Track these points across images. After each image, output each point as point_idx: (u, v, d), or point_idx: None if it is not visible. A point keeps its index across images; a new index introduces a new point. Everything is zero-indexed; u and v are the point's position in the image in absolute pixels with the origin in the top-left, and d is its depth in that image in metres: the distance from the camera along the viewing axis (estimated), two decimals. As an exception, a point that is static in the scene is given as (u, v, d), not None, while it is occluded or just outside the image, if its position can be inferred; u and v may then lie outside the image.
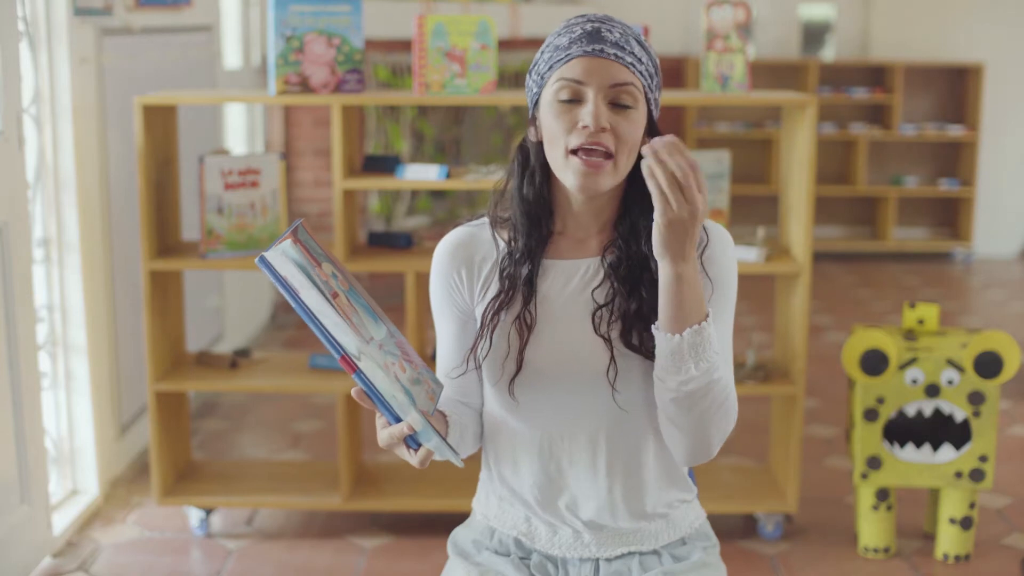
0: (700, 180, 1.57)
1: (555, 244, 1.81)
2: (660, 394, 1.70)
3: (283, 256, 1.52)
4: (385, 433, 1.61)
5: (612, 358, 1.74)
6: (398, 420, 1.59)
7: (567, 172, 1.72)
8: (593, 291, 1.77)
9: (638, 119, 1.72)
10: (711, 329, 1.65)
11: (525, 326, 1.76)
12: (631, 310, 1.74)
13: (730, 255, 1.80)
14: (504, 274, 1.79)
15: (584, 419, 1.79)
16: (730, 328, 1.81)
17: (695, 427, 1.71)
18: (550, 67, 1.73)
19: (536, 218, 1.78)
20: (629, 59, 1.70)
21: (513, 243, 1.79)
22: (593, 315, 1.75)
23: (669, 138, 1.58)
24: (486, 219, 1.85)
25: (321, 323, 1.53)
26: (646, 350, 1.74)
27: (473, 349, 1.80)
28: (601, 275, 1.78)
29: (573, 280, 1.78)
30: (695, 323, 1.64)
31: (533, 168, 1.79)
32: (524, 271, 1.77)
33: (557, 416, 1.79)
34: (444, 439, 1.61)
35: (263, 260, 1.52)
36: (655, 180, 1.56)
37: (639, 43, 1.73)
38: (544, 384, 1.77)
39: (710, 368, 1.66)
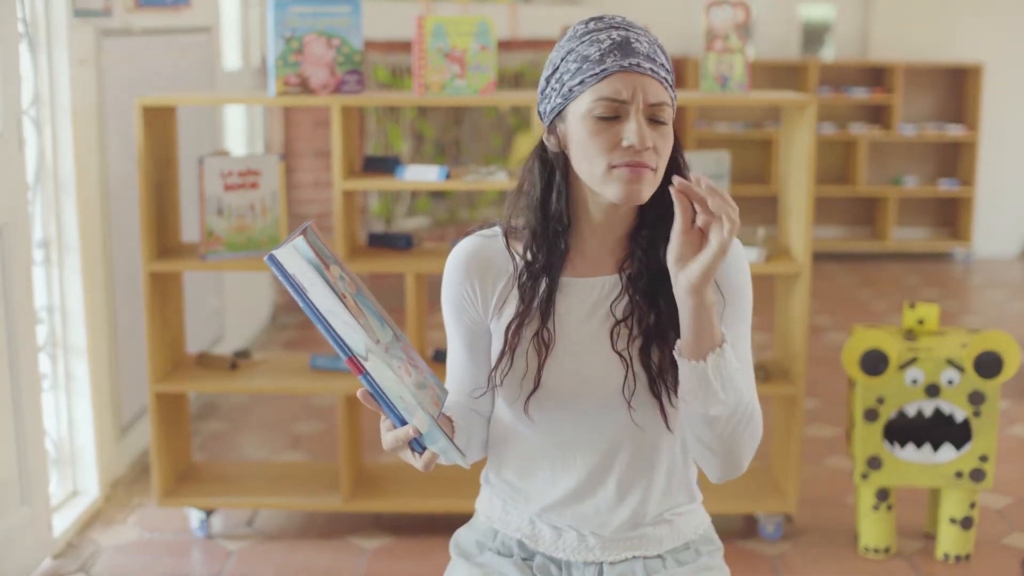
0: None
1: (571, 261, 1.77)
2: (689, 418, 1.69)
3: (295, 253, 1.49)
4: (390, 436, 1.59)
5: (627, 376, 1.72)
6: (403, 423, 1.57)
7: (610, 185, 1.67)
8: (612, 305, 1.74)
9: (671, 133, 1.69)
10: (730, 351, 1.65)
11: (543, 345, 1.73)
12: (651, 324, 1.72)
13: (743, 264, 1.77)
14: (524, 289, 1.75)
15: (597, 436, 1.78)
16: (748, 339, 1.79)
17: (726, 448, 1.70)
18: (581, 81, 1.66)
19: (555, 232, 1.74)
20: (663, 73, 1.67)
21: (531, 256, 1.76)
22: (612, 330, 1.73)
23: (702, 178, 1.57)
24: (498, 229, 1.81)
25: (329, 323, 1.51)
26: (661, 369, 1.72)
27: (496, 368, 1.77)
28: (619, 289, 1.75)
29: (591, 298, 1.76)
30: (716, 348, 1.63)
31: (559, 182, 1.74)
32: (543, 288, 1.74)
33: (570, 433, 1.78)
34: (451, 440, 1.60)
35: (272, 258, 1.49)
36: (715, 201, 1.54)
37: (662, 50, 1.70)
38: (559, 403, 1.76)
39: (737, 391, 1.66)
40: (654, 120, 1.66)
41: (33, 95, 3.35)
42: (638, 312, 1.73)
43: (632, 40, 1.66)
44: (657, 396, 1.73)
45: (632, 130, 1.64)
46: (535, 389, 1.74)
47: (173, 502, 3.38)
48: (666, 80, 1.67)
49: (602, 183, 1.68)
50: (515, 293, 1.77)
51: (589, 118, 1.66)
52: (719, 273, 1.74)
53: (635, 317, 1.73)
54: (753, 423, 1.70)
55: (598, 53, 1.66)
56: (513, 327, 1.75)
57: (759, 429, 1.73)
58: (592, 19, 1.71)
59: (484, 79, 3.18)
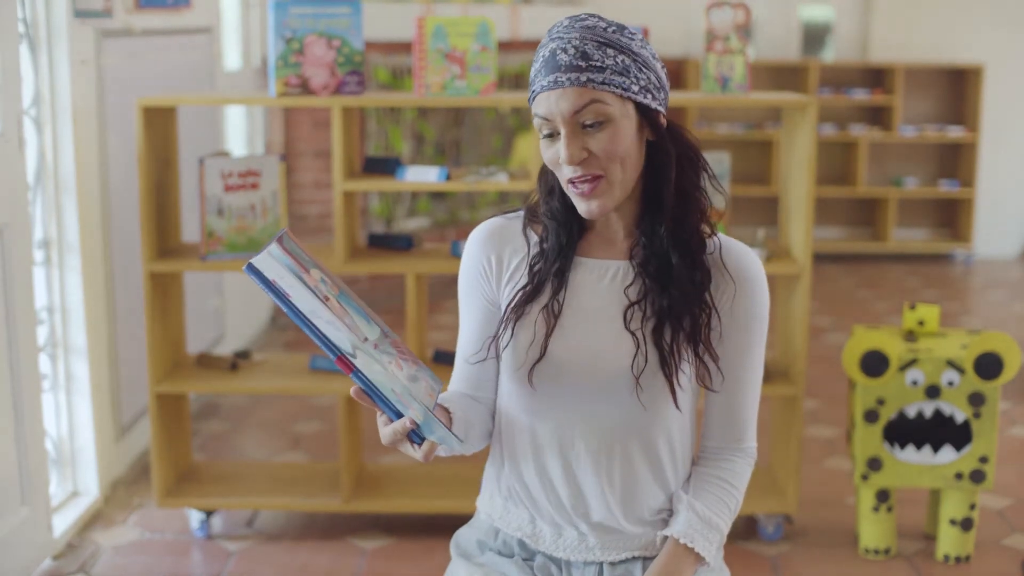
0: None
1: (587, 241, 1.82)
2: None
3: (271, 259, 1.51)
4: (388, 430, 1.60)
5: (637, 353, 1.74)
6: (399, 416, 1.58)
7: (573, 200, 1.74)
8: (626, 289, 1.78)
9: (616, 129, 1.69)
10: (708, 544, 1.80)
11: (552, 315, 1.77)
12: (664, 306, 1.75)
13: (764, 291, 1.81)
14: (534, 268, 1.80)
15: (601, 417, 1.79)
16: (761, 361, 1.84)
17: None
18: (529, 101, 1.75)
19: (565, 222, 1.80)
20: (586, 76, 1.66)
21: (545, 241, 1.81)
22: (625, 312, 1.76)
23: None
24: (521, 213, 1.87)
25: (314, 324, 1.53)
26: (672, 348, 1.75)
27: (496, 337, 1.80)
28: (632, 275, 1.78)
29: (604, 280, 1.79)
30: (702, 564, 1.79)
31: (552, 185, 1.81)
32: (555, 267, 1.79)
33: (573, 412, 1.79)
34: (448, 428, 1.60)
35: (250, 267, 1.51)
36: None
37: (603, 44, 1.68)
38: (564, 377, 1.77)
39: (731, 519, 1.86)
40: (589, 125, 1.69)
41: (33, 95, 3.36)
42: (651, 295, 1.76)
43: (557, 52, 1.68)
44: (668, 376, 1.75)
45: (562, 147, 1.70)
46: (541, 357, 1.76)
47: (173, 502, 3.38)
48: (592, 81, 1.66)
49: (570, 195, 1.75)
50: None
51: (540, 136, 1.74)
52: (739, 298, 1.78)
53: (648, 300, 1.76)
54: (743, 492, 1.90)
55: (533, 73, 1.72)
56: (517, 299, 1.79)
57: (751, 468, 1.91)
58: (549, 30, 1.75)
59: (484, 80, 3.18)
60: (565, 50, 1.67)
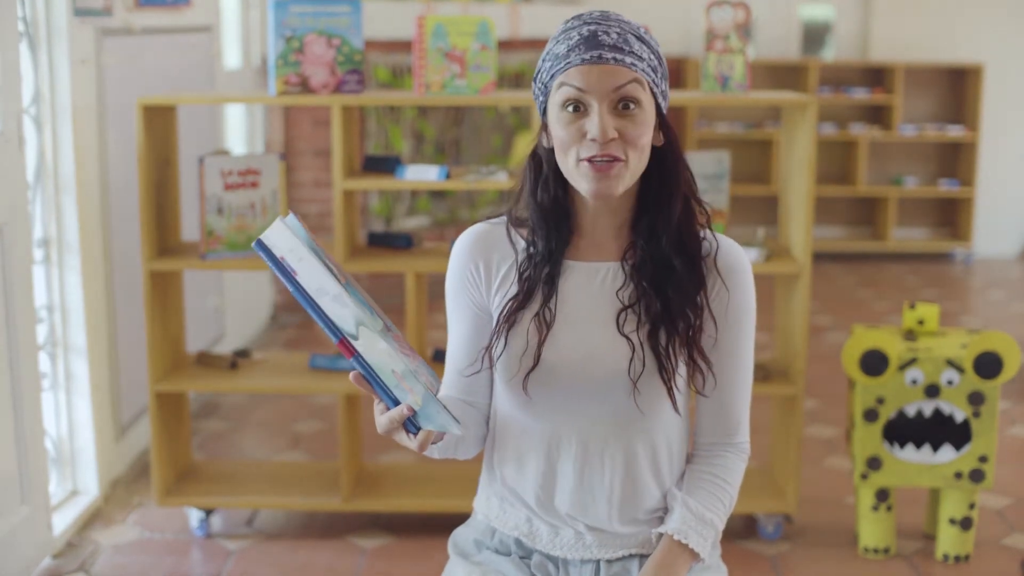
0: None
1: (574, 245, 1.81)
2: None
3: (283, 227, 1.49)
4: (384, 418, 1.59)
5: (633, 359, 1.74)
6: (396, 404, 1.58)
7: (580, 179, 1.72)
8: (617, 292, 1.77)
9: (645, 118, 1.71)
10: (702, 540, 1.78)
11: (544, 323, 1.76)
12: (658, 310, 1.75)
13: (749, 284, 1.81)
14: (524, 276, 1.78)
15: (597, 420, 1.78)
16: (751, 356, 1.84)
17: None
18: (552, 76, 1.72)
19: (554, 222, 1.78)
20: (629, 60, 1.69)
21: (532, 246, 1.79)
22: (618, 316, 1.75)
23: None
24: (504, 219, 1.85)
25: (318, 304, 1.51)
26: (671, 352, 1.74)
27: (488, 348, 1.79)
28: (623, 278, 1.78)
29: (593, 283, 1.78)
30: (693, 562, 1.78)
31: (547, 175, 1.79)
32: (544, 272, 1.78)
33: (569, 416, 1.79)
34: (446, 409, 1.58)
35: (259, 243, 1.50)
36: None
37: (639, 39, 1.72)
38: (559, 383, 1.77)
39: (726, 514, 1.83)
40: (623, 106, 1.69)
41: (33, 94, 3.36)
42: (645, 300, 1.76)
43: (599, 33, 1.70)
44: (665, 381, 1.74)
45: (594, 122, 1.68)
46: (535, 366, 1.75)
47: (173, 501, 3.38)
48: (635, 65, 1.69)
49: (575, 177, 1.73)
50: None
51: (560, 110, 1.72)
52: (726, 295, 1.78)
53: (642, 304, 1.76)
54: (741, 474, 1.88)
55: (566, 49, 1.71)
56: (508, 308, 1.78)
57: (745, 463, 1.88)
58: (572, 17, 1.76)
59: (484, 79, 3.18)
60: (608, 33, 1.70)
